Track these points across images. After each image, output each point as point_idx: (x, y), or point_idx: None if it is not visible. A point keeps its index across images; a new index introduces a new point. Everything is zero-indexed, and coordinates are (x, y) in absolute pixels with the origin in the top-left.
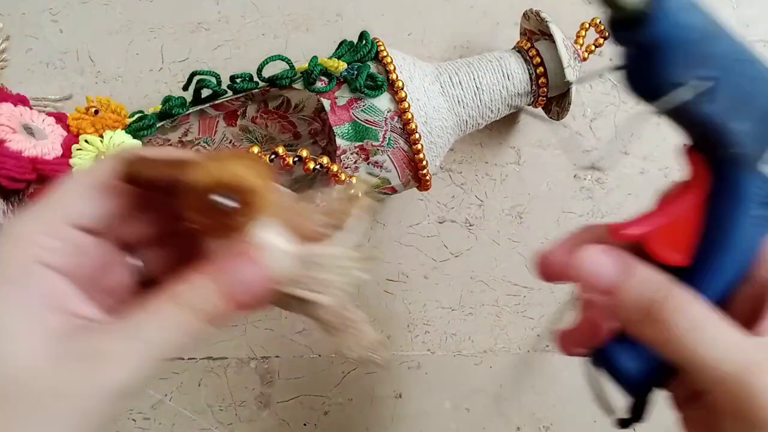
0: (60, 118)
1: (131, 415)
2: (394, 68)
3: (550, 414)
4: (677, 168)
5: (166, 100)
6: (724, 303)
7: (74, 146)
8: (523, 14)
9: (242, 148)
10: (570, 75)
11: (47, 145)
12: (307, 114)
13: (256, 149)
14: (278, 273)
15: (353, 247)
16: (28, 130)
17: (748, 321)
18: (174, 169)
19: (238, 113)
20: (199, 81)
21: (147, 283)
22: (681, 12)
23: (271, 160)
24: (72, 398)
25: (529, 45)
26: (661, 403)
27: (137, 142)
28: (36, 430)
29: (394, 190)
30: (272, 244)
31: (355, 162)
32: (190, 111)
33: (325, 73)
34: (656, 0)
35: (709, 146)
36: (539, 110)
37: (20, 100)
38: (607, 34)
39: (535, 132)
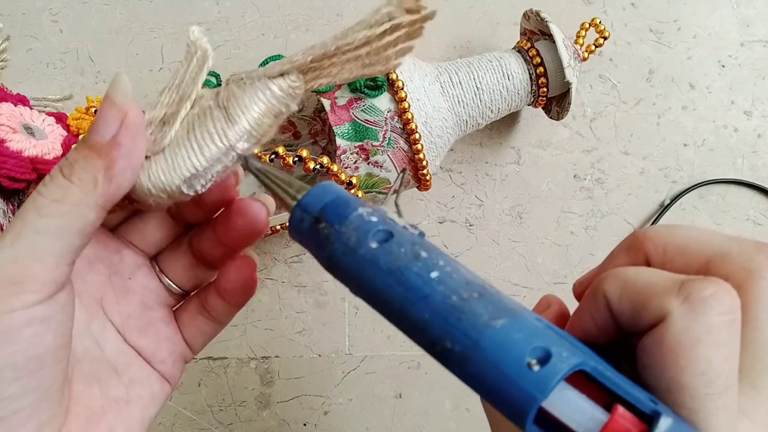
0: (60, 118)
1: None
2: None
3: None
4: (677, 168)
5: None
6: None
7: (74, 146)
8: (523, 14)
9: None
10: (570, 75)
11: (47, 144)
12: (307, 114)
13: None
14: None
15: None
16: (28, 130)
17: None
18: None
19: None
20: None
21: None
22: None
23: (271, 160)
24: None
25: (529, 45)
26: None
27: None
28: None
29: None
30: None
31: (355, 162)
32: None
33: None
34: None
35: None
36: (539, 110)
37: (20, 100)
38: (607, 34)
39: (535, 132)
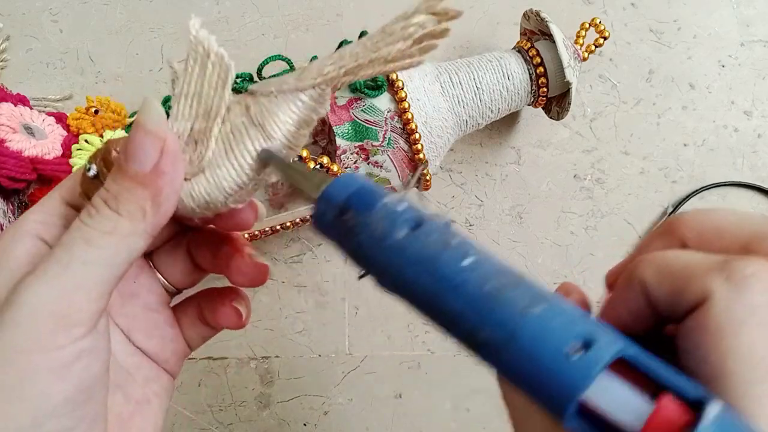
0: (60, 118)
1: None
2: None
3: None
4: (677, 168)
5: (166, 100)
6: None
7: (74, 146)
8: (524, 14)
9: None
10: (570, 75)
11: (47, 144)
12: None
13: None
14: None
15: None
16: (28, 130)
17: None
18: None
19: None
20: None
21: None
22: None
23: None
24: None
25: (529, 45)
26: None
27: None
28: None
29: (394, 190)
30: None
31: (355, 162)
32: None
33: None
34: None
35: None
36: (539, 110)
37: (20, 100)
38: (607, 34)
39: (535, 132)
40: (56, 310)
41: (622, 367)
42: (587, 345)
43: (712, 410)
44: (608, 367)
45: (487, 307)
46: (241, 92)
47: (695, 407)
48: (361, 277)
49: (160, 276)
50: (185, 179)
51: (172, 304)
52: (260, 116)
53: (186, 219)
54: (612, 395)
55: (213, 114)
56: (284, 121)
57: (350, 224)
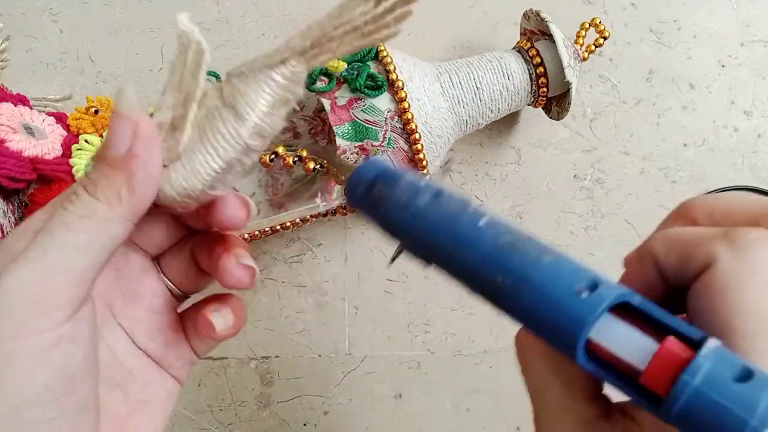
0: (60, 118)
1: None
2: (394, 68)
3: None
4: (677, 168)
5: None
6: None
7: (74, 146)
8: (523, 14)
9: None
10: (570, 75)
11: (47, 144)
12: (307, 114)
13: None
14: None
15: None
16: (28, 130)
17: None
18: None
19: None
20: None
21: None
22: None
23: (271, 160)
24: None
25: (529, 45)
26: None
27: None
28: None
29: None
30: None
31: (355, 162)
32: None
33: (325, 73)
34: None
35: None
36: (539, 110)
37: (20, 100)
38: (607, 34)
39: (535, 132)
40: (35, 293)
41: (629, 314)
42: (595, 286)
43: (711, 343)
44: (616, 311)
45: (502, 256)
46: None
47: (697, 347)
48: (393, 260)
49: (166, 279)
50: (164, 166)
51: (180, 310)
52: (231, 97)
53: (170, 209)
54: (619, 335)
55: (189, 99)
56: (255, 101)
57: (378, 195)
